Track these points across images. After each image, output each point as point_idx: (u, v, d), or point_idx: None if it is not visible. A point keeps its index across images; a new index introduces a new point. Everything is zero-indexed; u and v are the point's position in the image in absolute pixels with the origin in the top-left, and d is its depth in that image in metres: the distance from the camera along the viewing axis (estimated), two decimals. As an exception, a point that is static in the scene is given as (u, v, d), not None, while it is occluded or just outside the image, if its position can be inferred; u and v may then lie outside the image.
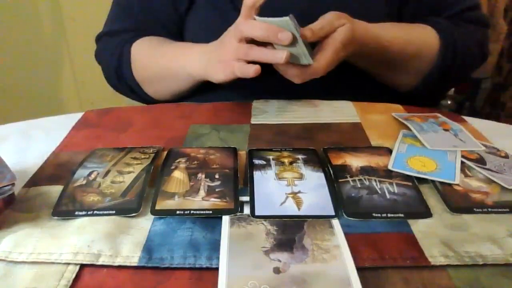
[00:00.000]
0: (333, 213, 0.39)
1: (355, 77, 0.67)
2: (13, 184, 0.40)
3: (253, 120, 0.58)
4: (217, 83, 0.59)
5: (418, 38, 0.65)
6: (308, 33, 0.51)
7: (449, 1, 0.69)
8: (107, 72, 0.75)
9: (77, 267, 0.34)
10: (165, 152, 0.49)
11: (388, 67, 0.67)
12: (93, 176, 0.45)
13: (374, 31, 0.60)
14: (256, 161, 0.47)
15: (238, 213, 0.39)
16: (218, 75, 0.57)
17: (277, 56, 0.51)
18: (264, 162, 0.47)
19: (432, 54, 0.65)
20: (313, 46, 0.55)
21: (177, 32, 0.72)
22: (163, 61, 0.67)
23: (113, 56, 0.71)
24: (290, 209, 0.39)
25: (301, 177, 0.44)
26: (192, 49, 0.65)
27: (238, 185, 0.43)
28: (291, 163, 0.47)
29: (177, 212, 0.39)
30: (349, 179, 0.44)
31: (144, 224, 0.38)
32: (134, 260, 0.34)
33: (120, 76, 0.72)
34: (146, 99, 0.74)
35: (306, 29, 0.52)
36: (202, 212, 0.39)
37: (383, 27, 0.62)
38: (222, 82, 0.58)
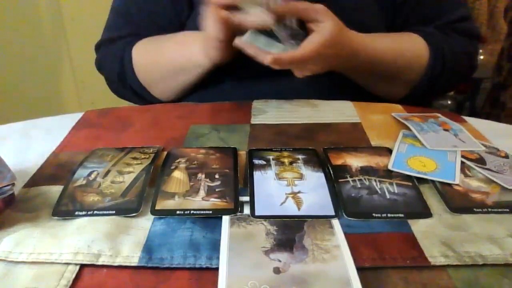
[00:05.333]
0: (333, 213, 0.39)
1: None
2: (13, 184, 0.40)
3: (253, 120, 0.58)
4: (220, 59, 0.60)
5: (409, 49, 0.65)
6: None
7: (441, 11, 0.69)
8: (110, 79, 0.74)
9: (77, 267, 0.33)
10: (165, 152, 0.49)
11: (379, 78, 0.67)
12: (93, 176, 0.45)
13: (366, 40, 0.60)
14: (256, 161, 0.47)
15: (238, 213, 0.39)
16: (212, 42, 0.58)
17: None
18: (264, 162, 0.47)
19: (422, 65, 0.65)
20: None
21: None
22: (166, 58, 0.66)
23: (114, 62, 0.71)
24: (290, 209, 0.39)
25: (301, 177, 0.44)
26: (192, 38, 0.65)
27: (238, 185, 0.43)
28: (291, 163, 0.47)
29: (177, 212, 0.39)
30: (349, 179, 0.44)
31: (144, 224, 0.38)
32: (134, 260, 0.34)
33: (123, 81, 0.71)
34: (151, 101, 0.73)
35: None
36: (202, 212, 0.39)
37: (375, 38, 0.62)
38: (223, 52, 0.59)
